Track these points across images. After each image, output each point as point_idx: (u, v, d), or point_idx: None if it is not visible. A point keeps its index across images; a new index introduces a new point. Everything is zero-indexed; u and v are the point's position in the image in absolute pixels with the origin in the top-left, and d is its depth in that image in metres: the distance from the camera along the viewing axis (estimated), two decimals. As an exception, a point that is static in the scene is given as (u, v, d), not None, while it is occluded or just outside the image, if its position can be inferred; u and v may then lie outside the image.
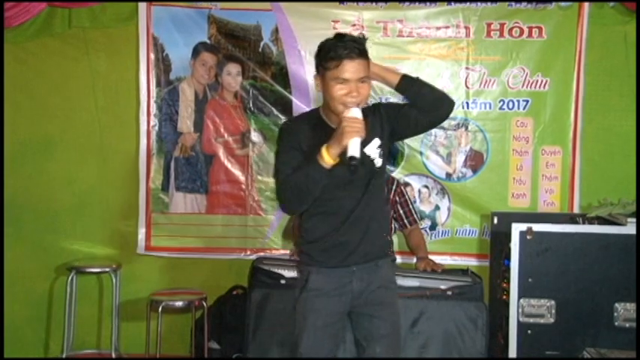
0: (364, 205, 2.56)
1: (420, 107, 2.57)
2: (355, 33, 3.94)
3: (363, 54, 2.46)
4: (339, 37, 2.48)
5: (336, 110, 2.46)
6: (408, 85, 2.60)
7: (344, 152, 2.37)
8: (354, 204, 2.54)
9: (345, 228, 2.55)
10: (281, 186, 2.50)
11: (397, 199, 3.85)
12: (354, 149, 2.36)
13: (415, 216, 3.91)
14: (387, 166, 4.11)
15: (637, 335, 3.21)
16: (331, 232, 2.56)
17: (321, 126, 2.55)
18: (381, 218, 2.69)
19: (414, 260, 3.86)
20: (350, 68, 2.42)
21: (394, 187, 3.86)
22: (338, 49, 2.42)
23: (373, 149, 2.48)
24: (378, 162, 2.50)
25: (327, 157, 2.37)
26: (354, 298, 2.60)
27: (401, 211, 3.87)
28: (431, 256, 3.82)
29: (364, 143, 2.44)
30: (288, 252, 4.00)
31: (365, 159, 2.44)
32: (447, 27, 4.07)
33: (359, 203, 2.55)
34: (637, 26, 3.93)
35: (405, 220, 3.88)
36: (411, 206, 3.89)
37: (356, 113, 2.41)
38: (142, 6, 4.05)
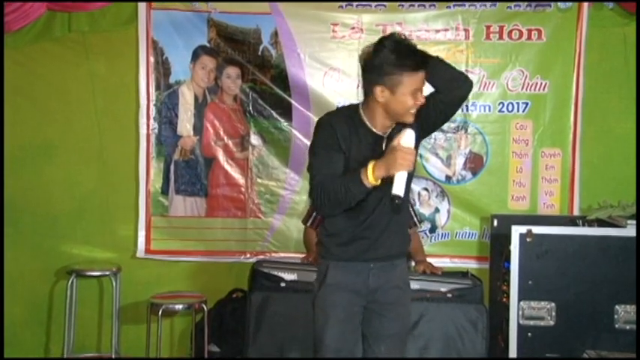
0: (386, 203, 2.54)
1: (438, 85, 2.55)
2: (355, 36, 4.05)
3: (427, 63, 2.48)
4: (402, 46, 2.43)
5: (404, 118, 2.46)
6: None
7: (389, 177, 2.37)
8: (376, 202, 2.54)
9: (366, 224, 2.55)
10: (316, 187, 2.47)
11: None
12: (399, 186, 2.37)
13: (415, 219, 3.91)
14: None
15: (637, 337, 3.21)
16: (352, 227, 2.56)
17: (361, 126, 2.52)
18: (402, 217, 2.67)
19: (412, 264, 3.85)
20: (421, 79, 2.45)
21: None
22: (414, 61, 2.41)
23: (408, 140, 2.43)
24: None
25: (372, 179, 2.37)
26: (369, 294, 2.61)
27: None
28: (431, 259, 3.82)
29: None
30: (290, 255, 4.01)
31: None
32: (446, 30, 4.07)
33: (381, 201, 2.54)
34: (637, 28, 3.93)
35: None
36: (411, 209, 3.88)
37: (411, 139, 2.40)
38: (142, 10, 4.06)
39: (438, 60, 2.57)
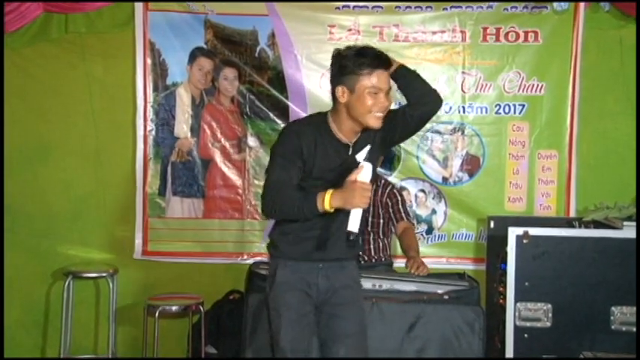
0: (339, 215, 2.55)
1: (410, 98, 2.63)
2: (352, 37, 4.05)
3: (389, 63, 2.55)
4: (363, 48, 2.53)
5: (368, 122, 2.50)
6: (402, 73, 2.65)
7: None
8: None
9: (317, 224, 2.58)
10: (268, 194, 2.51)
11: (389, 201, 3.81)
12: (354, 223, 2.41)
13: (402, 214, 3.83)
14: (385, 170, 4.13)
15: (637, 337, 3.22)
16: (303, 227, 2.59)
17: (327, 135, 2.56)
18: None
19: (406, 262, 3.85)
20: (382, 79, 2.49)
21: (387, 190, 3.82)
22: (372, 59, 2.47)
23: (362, 155, 2.52)
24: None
25: (327, 207, 2.39)
26: (320, 294, 2.64)
27: (390, 211, 3.83)
28: (427, 260, 3.79)
29: (357, 150, 2.51)
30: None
31: (352, 164, 2.49)
32: (442, 31, 4.08)
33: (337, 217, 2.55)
34: (637, 29, 3.94)
35: (393, 217, 3.81)
36: (400, 206, 3.82)
37: (368, 174, 2.42)
38: (139, 11, 4.06)
39: (413, 72, 2.65)
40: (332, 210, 2.41)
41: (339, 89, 2.51)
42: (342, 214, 2.48)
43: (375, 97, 2.47)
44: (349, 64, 2.48)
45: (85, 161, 4.16)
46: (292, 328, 2.60)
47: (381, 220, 3.78)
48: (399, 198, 3.84)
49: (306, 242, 2.61)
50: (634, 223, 3.45)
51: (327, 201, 2.39)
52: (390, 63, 2.57)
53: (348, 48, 2.56)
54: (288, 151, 2.53)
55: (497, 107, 4.10)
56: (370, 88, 2.47)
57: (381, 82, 2.49)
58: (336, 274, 2.66)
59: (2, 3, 3.78)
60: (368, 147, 2.54)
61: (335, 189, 2.41)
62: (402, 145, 4.04)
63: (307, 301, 2.63)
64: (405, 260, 3.60)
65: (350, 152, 2.58)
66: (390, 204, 3.81)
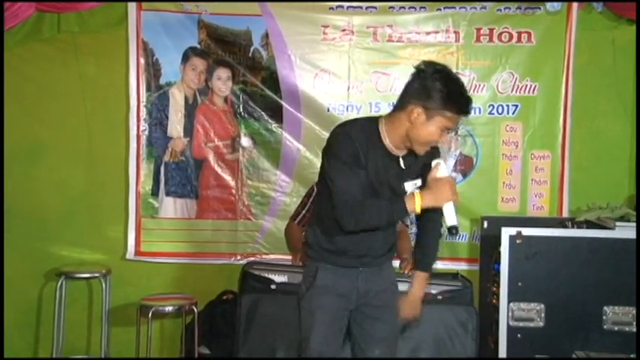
0: None
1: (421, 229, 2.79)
2: (345, 38, 4.06)
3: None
4: (462, 87, 2.44)
5: (417, 147, 2.46)
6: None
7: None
8: None
9: (359, 237, 2.55)
10: (344, 207, 2.43)
11: None
12: (451, 216, 2.45)
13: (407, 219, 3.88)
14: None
15: (637, 338, 3.23)
16: (345, 238, 2.56)
17: (378, 142, 2.49)
18: (393, 229, 2.71)
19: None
20: (457, 122, 2.48)
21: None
22: (468, 107, 2.43)
23: (411, 187, 2.53)
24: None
25: (418, 208, 2.41)
26: (359, 297, 2.63)
27: None
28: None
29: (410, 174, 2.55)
30: (280, 257, 4.00)
31: (398, 189, 2.51)
32: (436, 32, 4.09)
33: None
34: (637, 29, 3.95)
35: None
36: None
37: (446, 169, 2.48)
38: (132, 11, 4.04)
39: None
40: (419, 212, 2.43)
41: (416, 109, 2.39)
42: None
43: (442, 134, 2.45)
44: (442, 95, 2.36)
45: (78, 161, 4.14)
46: (324, 330, 2.59)
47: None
48: None
49: (348, 253, 2.59)
50: (626, 224, 3.47)
51: (418, 203, 2.40)
52: (469, 111, 2.48)
53: (447, 74, 2.42)
54: (348, 154, 2.43)
55: (491, 108, 4.11)
56: (445, 128, 2.43)
57: (455, 124, 2.49)
58: (375, 277, 2.65)
59: (2, 3, 3.76)
60: (419, 182, 2.54)
61: (421, 190, 2.44)
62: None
63: (343, 306, 2.62)
64: (398, 261, 3.61)
65: (401, 165, 2.52)
66: None
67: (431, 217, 2.64)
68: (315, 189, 3.36)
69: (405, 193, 2.50)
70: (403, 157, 2.53)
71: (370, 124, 2.52)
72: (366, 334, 2.65)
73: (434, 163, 2.48)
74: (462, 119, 2.53)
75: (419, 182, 2.54)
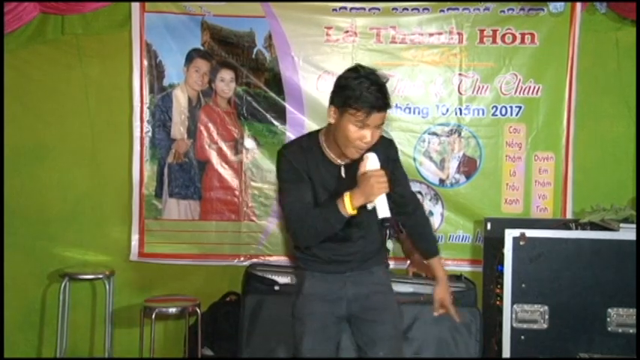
0: (362, 223, 2.56)
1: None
2: (349, 39, 4.06)
3: (388, 106, 2.41)
4: (368, 80, 2.35)
5: (345, 150, 2.43)
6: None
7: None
8: (353, 224, 2.54)
9: (341, 246, 2.57)
10: (293, 221, 2.47)
11: None
12: (383, 210, 2.38)
13: None
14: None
15: (637, 338, 3.23)
16: (327, 248, 2.56)
17: (319, 155, 2.51)
18: (375, 232, 2.66)
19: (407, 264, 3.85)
20: (375, 119, 2.37)
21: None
22: (370, 99, 2.33)
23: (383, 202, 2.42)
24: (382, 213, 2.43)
25: (350, 208, 2.37)
26: (350, 302, 2.62)
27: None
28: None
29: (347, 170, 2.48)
30: (283, 259, 4.01)
31: (346, 185, 2.45)
32: (439, 33, 4.08)
33: (359, 225, 2.56)
34: (637, 30, 3.94)
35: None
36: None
37: (375, 162, 2.40)
38: (135, 12, 4.05)
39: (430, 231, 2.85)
40: (355, 211, 2.38)
41: (332, 108, 2.41)
42: (361, 220, 2.50)
43: (361, 131, 2.37)
44: (343, 92, 2.36)
45: (82, 162, 4.15)
46: (315, 337, 2.59)
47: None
48: None
49: (333, 263, 2.59)
50: (630, 225, 3.46)
51: (349, 202, 2.37)
52: (388, 105, 2.39)
53: (357, 71, 2.39)
54: (291, 173, 2.48)
55: (494, 109, 4.11)
56: (361, 123, 2.35)
57: (376, 121, 2.38)
58: (365, 280, 2.63)
59: (2, 3, 3.77)
60: (374, 155, 2.44)
61: (350, 190, 2.39)
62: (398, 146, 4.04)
63: (333, 312, 2.61)
64: (403, 262, 3.61)
65: (342, 173, 2.51)
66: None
67: (405, 209, 2.69)
68: None
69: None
70: (347, 165, 2.51)
71: (310, 138, 2.56)
72: (367, 338, 2.64)
73: (364, 156, 2.42)
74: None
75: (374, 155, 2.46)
